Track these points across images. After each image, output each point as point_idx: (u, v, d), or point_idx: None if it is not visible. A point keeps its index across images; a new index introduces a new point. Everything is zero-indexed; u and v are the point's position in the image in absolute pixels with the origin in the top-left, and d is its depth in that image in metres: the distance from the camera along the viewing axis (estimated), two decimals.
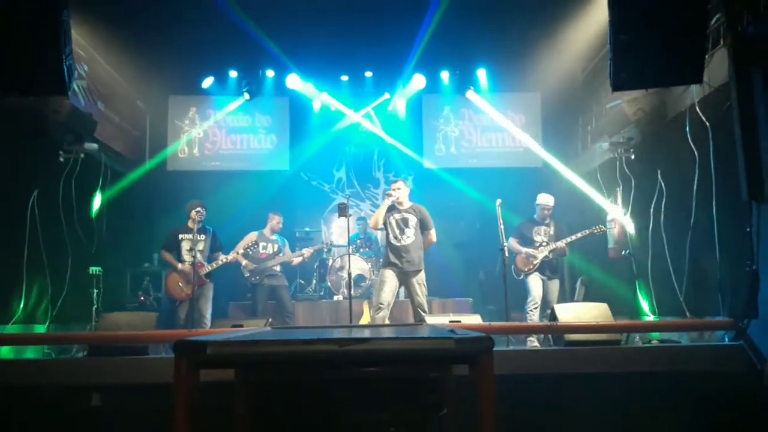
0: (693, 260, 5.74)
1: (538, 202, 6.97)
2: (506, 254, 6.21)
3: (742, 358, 4.09)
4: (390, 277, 6.09)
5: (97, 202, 7.43)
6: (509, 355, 4.07)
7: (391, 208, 6.23)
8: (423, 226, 6.23)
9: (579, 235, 6.81)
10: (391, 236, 6.20)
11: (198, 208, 6.63)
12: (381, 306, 6.03)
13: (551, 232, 6.91)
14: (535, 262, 6.76)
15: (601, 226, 6.83)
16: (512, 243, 6.85)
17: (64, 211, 6.72)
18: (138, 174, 9.04)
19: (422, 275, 6.20)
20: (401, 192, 6.27)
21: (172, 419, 1.86)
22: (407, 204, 6.30)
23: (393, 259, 6.13)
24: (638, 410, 3.80)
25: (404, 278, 6.14)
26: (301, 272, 9.03)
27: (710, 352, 4.30)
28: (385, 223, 6.25)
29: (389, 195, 6.25)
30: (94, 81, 7.87)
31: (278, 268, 7.38)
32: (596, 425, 3.71)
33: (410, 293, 6.18)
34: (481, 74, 9.77)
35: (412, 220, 6.19)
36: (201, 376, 1.95)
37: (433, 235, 6.26)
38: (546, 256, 6.79)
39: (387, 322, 6.18)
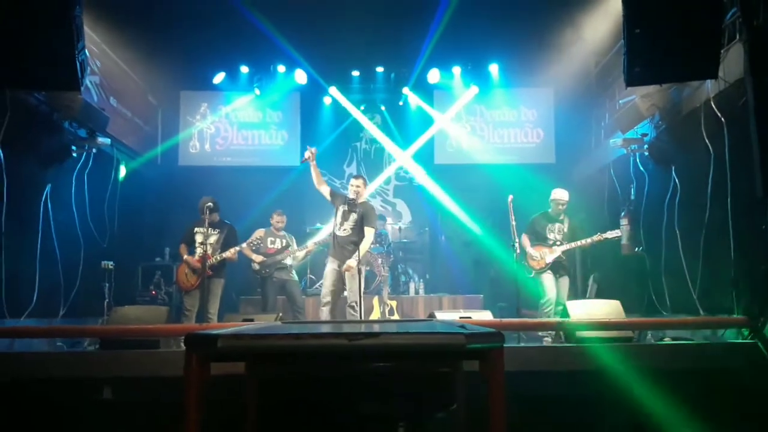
0: (707, 257, 5.69)
1: (552, 197, 6.81)
2: (518, 251, 6.17)
3: (757, 356, 4.04)
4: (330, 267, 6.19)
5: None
6: (520, 352, 4.04)
7: (345, 200, 6.26)
8: (364, 223, 6.20)
9: (595, 238, 6.55)
10: (333, 224, 6.31)
11: (209, 203, 6.63)
12: (324, 300, 6.14)
13: (565, 230, 6.75)
14: (548, 261, 6.64)
15: (616, 231, 6.62)
16: (523, 240, 6.72)
17: (77, 206, 6.77)
18: (148, 158, 9.13)
19: (352, 269, 6.11)
20: (361, 189, 6.32)
21: (182, 412, 1.87)
22: (360, 200, 6.33)
23: (331, 248, 6.26)
24: (650, 408, 3.77)
25: (339, 269, 6.19)
26: (311, 267, 9.04)
27: (724, 350, 4.25)
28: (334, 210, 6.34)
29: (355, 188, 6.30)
30: (107, 76, 7.92)
31: (288, 261, 7.38)
32: (607, 423, 3.69)
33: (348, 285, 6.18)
34: (494, 69, 9.73)
35: (355, 215, 6.20)
36: (212, 370, 1.95)
37: (368, 233, 6.17)
38: (559, 257, 6.64)
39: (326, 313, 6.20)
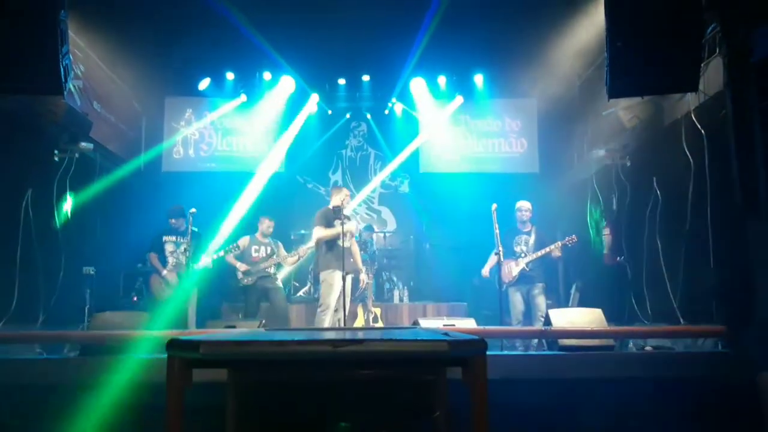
0: (687, 267, 5.76)
1: (516, 207, 6.98)
2: (501, 259, 6.21)
3: (735, 365, 4.09)
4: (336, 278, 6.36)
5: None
6: (502, 360, 4.06)
7: (338, 215, 6.43)
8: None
9: (552, 247, 6.68)
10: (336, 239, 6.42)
11: (192, 210, 6.58)
12: (331, 308, 6.37)
13: (531, 241, 6.82)
14: (514, 275, 6.72)
15: (573, 236, 6.76)
16: (492, 257, 6.79)
17: (58, 211, 6.69)
18: (130, 168, 9.02)
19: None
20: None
21: (164, 419, 1.85)
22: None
23: (334, 260, 6.38)
24: (630, 416, 3.80)
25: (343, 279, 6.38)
26: (295, 274, 9.01)
27: (703, 360, 4.30)
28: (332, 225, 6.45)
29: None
30: (90, 81, 7.85)
31: (272, 270, 7.35)
32: (588, 431, 3.71)
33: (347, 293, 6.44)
34: (479, 79, 9.80)
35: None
36: (193, 376, 1.94)
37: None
38: (523, 269, 6.73)
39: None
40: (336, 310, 6.36)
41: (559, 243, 6.70)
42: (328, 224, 6.43)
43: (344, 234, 6.27)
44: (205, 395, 2.48)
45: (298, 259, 7.68)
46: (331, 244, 6.44)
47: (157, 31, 7.79)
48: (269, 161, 10.02)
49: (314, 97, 10.04)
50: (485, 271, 6.83)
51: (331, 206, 6.57)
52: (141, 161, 9.52)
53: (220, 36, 8.07)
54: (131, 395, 3.54)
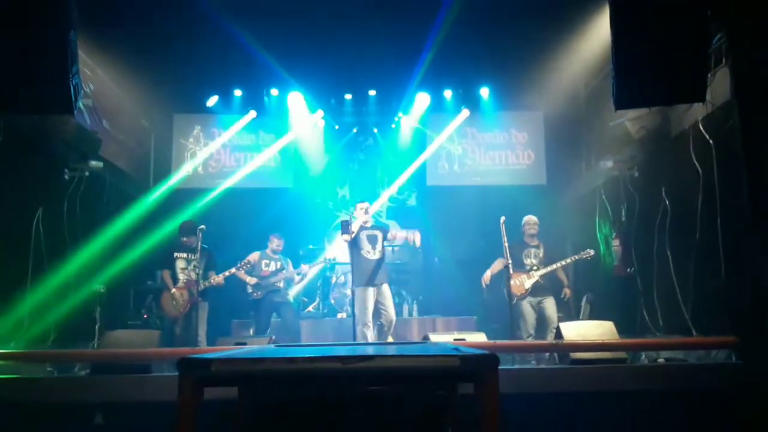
0: (698, 277, 5.72)
1: (522, 223, 6.96)
2: (510, 272, 6.19)
3: (749, 377, 4.05)
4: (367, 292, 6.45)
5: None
6: (514, 374, 4.03)
7: (346, 227, 6.53)
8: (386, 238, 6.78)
9: (569, 260, 6.71)
10: (363, 251, 6.55)
11: (202, 227, 6.60)
12: (369, 324, 6.38)
13: (541, 255, 6.82)
14: (527, 287, 6.69)
15: (589, 250, 6.73)
16: (496, 264, 6.77)
17: (69, 229, 6.74)
18: (145, 201, 9.06)
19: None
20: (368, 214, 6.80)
21: None
22: (371, 222, 6.84)
23: (361, 276, 6.47)
24: (644, 429, 3.76)
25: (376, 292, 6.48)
26: (304, 290, 9.00)
27: (717, 371, 4.26)
28: (355, 240, 6.55)
29: (365, 212, 6.72)
30: (100, 99, 7.93)
31: (281, 284, 7.37)
32: None
33: (379, 307, 6.50)
34: (484, 92, 9.82)
35: (380, 237, 6.70)
36: (204, 394, 1.94)
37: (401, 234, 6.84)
38: (537, 281, 6.72)
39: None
40: (368, 326, 6.34)
41: (575, 257, 6.69)
42: (334, 239, 6.52)
43: (353, 245, 6.35)
44: (215, 413, 2.47)
45: (306, 275, 7.70)
46: (357, 258, 6.49)
47: (166, 49, 7.86)
48: (277, 177, 10.08)
49: (320, 113, 10.09)
50: (486, 277, 6.79)
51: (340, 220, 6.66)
52: (156, 193, 9.45)
53: (227, 53, 8.13)
54: (143, 414, 3.54)
